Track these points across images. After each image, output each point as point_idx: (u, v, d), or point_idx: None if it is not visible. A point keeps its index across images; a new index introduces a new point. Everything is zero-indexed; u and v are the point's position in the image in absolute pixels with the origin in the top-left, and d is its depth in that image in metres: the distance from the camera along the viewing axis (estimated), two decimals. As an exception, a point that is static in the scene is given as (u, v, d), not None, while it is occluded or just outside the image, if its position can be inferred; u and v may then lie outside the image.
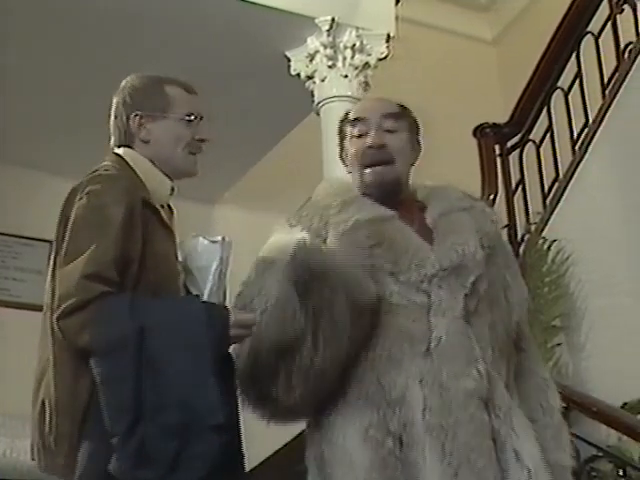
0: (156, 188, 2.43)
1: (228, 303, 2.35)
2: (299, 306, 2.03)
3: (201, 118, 2.49)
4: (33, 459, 2.31)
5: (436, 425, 2.00)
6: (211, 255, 2.35)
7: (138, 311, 2.18)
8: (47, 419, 2.25)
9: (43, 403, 2.27)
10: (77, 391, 2.21)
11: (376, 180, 2.24)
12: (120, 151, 2.47)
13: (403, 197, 2.28)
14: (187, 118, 2.46)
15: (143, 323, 2.15)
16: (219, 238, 2.38)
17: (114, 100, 2.52)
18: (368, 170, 2.25)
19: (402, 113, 2.31)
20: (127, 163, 2.43)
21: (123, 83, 2.53)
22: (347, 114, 2.40)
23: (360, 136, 2.28)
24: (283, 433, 5.06)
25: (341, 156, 2.42)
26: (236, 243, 2.42)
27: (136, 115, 2.46)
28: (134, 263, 2.27)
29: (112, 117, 2.52)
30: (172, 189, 2.48)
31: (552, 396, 2.29)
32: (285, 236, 2.27)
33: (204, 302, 2.27)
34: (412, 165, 2.33)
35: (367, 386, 2.06)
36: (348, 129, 2.35)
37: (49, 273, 2.33)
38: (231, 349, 2.28)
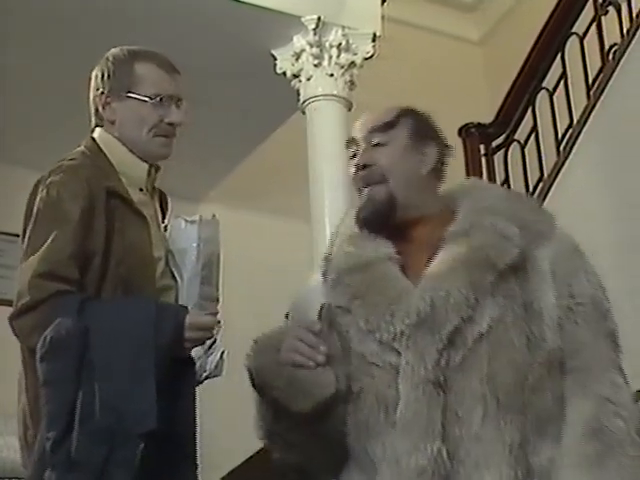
0: (130, 172, 2.35)
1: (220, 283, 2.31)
2: (263, 408, 1.90)
3: (177, 100, 2.36)
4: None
5: None
6: (189, 236, 2.27)
7: (86, 312, 2.12)
8: (29, 417, 2.24)
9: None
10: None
11: (367, 204, 1.98)
12: (96, 134, 2.38)
13: (412, 217, 1.98)
14: (151, 100, 2.33)
15: (89, 325, 2.10)
16: (197, 218, 2.29)
17: (92, 74, 2.42)
18: (362, 193, 2.01)
19: (396, 121, 2.02)
20: (99, 148, 2.35)
21: (105, 56, 2.42)
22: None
23: (354, 157, 2.05)
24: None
25: None
26: (222, 242, 2.37)
27: (102, 93, 2.36)
28: (96, 256, 2.20)
29: (90, 92, 2.42)
30: (150, 171, 2.38)
31: (608, 415, 1.83)
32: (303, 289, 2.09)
33: (159, 304, 2.20)
34: (427, 175, 2.03)
35: (357, 455, 1.90)
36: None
37: None
38: (193, 352, 2.24)
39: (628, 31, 4.94)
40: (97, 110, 2.39)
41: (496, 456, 1.80)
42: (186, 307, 2.23)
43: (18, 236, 2.32)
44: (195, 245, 2.27)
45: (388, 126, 2.02)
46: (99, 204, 2.23)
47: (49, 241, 2.17)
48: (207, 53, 5.30)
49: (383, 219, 1.98)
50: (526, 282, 1.89)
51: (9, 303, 2.23)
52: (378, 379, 1.86)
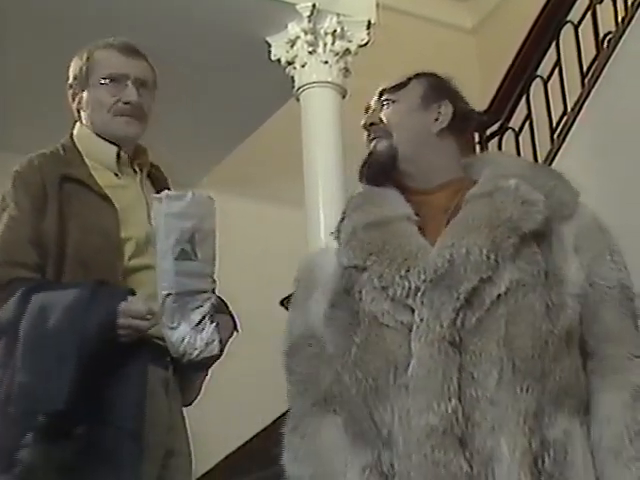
0: (100, 158, 2.40)
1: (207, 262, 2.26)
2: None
3: (135, 80, 2.39)
4: None
5: (403, 471, 1.75)
6: (158, 212, 2.24)
7: (28, 297, 2.16)
8: None
9: None
10: None
11: (368, 156, 1.96)
12: (74, 129, 2.46)
13: (424, 178, 1.95)
14: (102, 81, 2.38)
15: (25, 309, 2.14)
16: (163, 194, 2.27)
17: None
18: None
19: (408, 82, 1.99)
20: (73, 141, 2.42)
21: None
22: None
23: None
24: (261, 418, 5.08)
25: None
26: (215, 217, 2.32)
27: (70, 86, 2.45)
28: (51, 240, 2.25)
29: None
30: (119, 154, 2.40)
31: None
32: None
33: (100, 288, 2.18)
34: (440, 133, 1.98)
35: (361, 423, 1.82)
36: None
37: None
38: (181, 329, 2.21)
39: (623, 19, 4.94)
40: (72, 104, 2.47)
41: (511, 423, 1.73)
42: (127, 293, 2.21)
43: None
44: (162, 221, 2.23)
45: (399, 86, 1.99)
46: (52, 190, 2.29)
47: (5, 229, 2.27)
48: (202, 40, 5.29)
49: (382, 169, 1.94)
50: (549, 252, 1.83)
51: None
52: (388, 340, 1.79)
